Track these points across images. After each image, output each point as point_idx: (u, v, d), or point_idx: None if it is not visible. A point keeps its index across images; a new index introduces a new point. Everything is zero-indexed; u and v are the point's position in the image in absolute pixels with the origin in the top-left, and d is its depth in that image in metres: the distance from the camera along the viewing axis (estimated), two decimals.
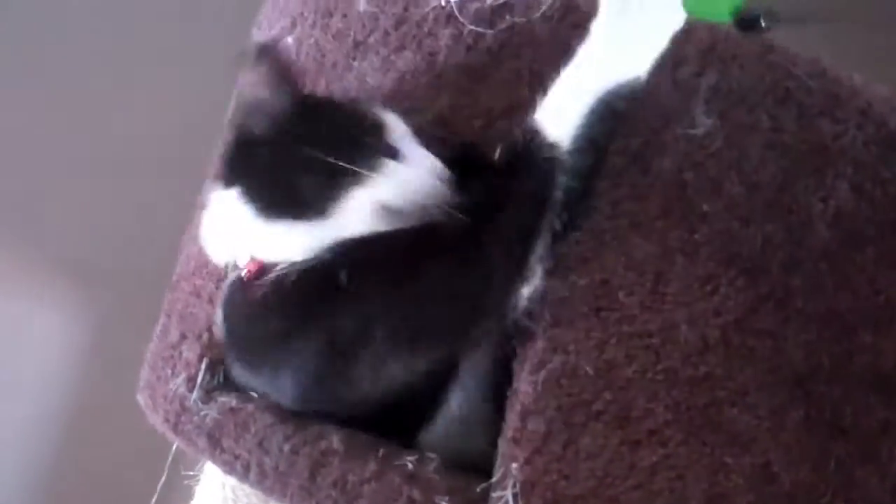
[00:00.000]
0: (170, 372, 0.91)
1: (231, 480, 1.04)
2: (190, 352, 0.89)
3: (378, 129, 0.75)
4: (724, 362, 0.76)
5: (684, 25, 0.69)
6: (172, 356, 0.91)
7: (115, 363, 1.11)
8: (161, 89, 1.40)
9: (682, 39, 0.76)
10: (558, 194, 0.69)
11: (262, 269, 0.75)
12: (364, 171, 0.71)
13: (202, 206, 0.97)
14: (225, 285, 0.80)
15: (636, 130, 0.76)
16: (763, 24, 0.66)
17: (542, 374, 0.77)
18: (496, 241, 0.69)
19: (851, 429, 0.77)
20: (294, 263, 0.72)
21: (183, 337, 0.91)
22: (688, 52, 0.77)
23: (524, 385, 0.77)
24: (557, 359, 0.76)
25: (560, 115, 0.69)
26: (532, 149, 0.69)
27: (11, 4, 1.40)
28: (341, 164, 0.71)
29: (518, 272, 0.70)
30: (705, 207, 0.76)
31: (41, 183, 1.39)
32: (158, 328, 0.97)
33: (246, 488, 1.04)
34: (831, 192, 0.77)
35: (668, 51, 0.73)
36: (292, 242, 0.73)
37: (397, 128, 0.76)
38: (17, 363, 1.40)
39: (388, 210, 0.71)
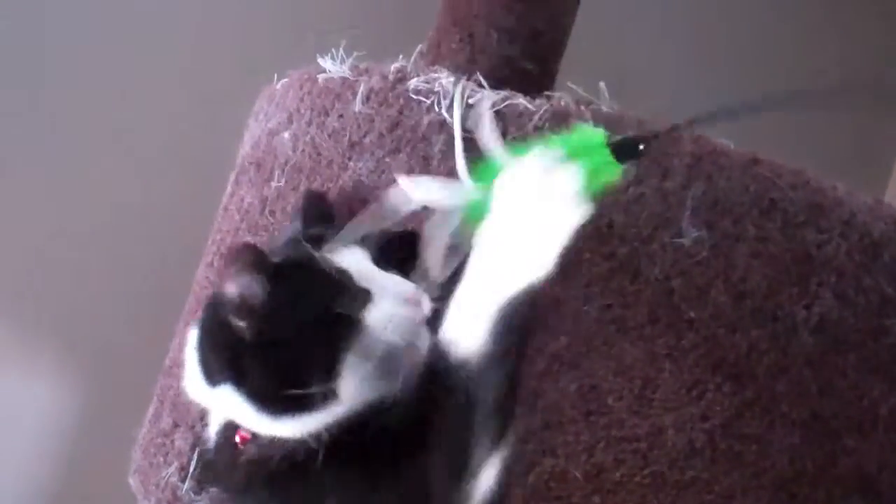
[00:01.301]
0: (162, 460, 0.91)
1: None
2: (182, 441, 0.90)
3: (344, 288, 0.73)
4: (710, 466, 0.77)
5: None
6: (164, 444, 0.92)
7: (105, 438, 1.12)
8: (155, 159, 1.42)
9: (668, 152, 0.78)
10: (483, 405, 0.68)
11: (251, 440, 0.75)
12: (351, 351, 0.71)
13: (195, 292, 0.98)
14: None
15: (624, 239, 0.78)
16: (640, 148, 0.66)
17: (531, 476, 0.78)
18: (435, 461, 0.69)
19: None
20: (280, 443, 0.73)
21: (175, 425, 0.92)
22: (675, 165, 0.79)
23: (516, 488, 0.78)
24: (547, 462, 0.78)
25: (464, 331, 0.66)
26: (447, 368, 0.67)
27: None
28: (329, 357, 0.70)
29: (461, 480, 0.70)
30: (692, 314, 0.78)
31: (33, 255, 1.40)
32: (150, 412, 0.98)
33: None
34: (815, 300, 0.79)
35: (654, 163, 0.75)
36: (289, 428, 0.73)
37: (360, 265, 0.74)
38: (5, 436, 1.40)
39: (377, 367, 0.71)
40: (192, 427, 0.90)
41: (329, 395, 0.70)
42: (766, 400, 0.79)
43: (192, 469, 0.89)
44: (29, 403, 1.41)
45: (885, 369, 0.80)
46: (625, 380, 0.78)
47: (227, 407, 0.72)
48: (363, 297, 0.71)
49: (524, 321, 0.66)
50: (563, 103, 0.81)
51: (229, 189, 1.02)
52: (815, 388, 0.79)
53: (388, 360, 0.69)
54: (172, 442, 0.91)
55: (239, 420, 0.72)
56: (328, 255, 0.72)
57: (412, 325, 0.71)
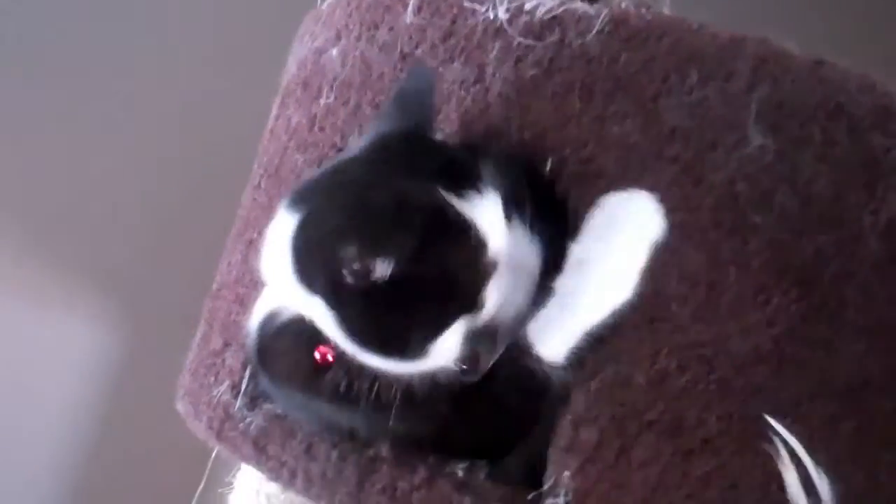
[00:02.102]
0: (213, 379, 0.90)
1: (266, 488, 1.04)
2: (234, 359, 0.89)
3: (481, 249, 0.72)
4: (776, 373, 0.76)
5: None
6: (215, 364, 0.91)
7: (150, 373, 1.11)
8: (195, 92, 1.40)
9: (731, 52, 0.77)
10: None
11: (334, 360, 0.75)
12: (469, 313, 0.71)
13: (241, 215, 0.97)
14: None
15: (688, 142, 0.77)
16: None
17: (595, 383, 0.77)
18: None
19: None
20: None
21: (226, 345, 0.91)
22: (738, 67, 0.78)
23: (576, 394, 0.77)
24: (610, 368, 0.77)
25: (549, 343, 0.75)
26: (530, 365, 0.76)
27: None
28: (449, 310, 0.71)
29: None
30: (757, 219, 0.77)
31: (73, 191, 1.39)
32: (199, 337, 0.97)
33: (280, 496, 1.03)
34: (882, 205, 0.77)
35: (717, 64, 0.75)
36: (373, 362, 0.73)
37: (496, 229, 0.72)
38: (50, 374, 1.39)
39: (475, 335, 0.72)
40: (243, 344, 0.89)
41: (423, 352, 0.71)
42: (833, 306, 0.77)
43: (244, 386, 0.88)
44: (72, 342, 1.40)
45: None
46: (689, 285, 0.77)
47: (316, 316, 0.71)
48: (488, 268, 0.71)
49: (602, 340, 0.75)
50: (623, 6, 0.79)
51: (274, 112, 1.01)
52: (882, 294, 0.78)
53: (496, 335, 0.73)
54: (223, 361, 0.91)
55: (327, 334, 0.71)
56: (462, 202, 0.70)
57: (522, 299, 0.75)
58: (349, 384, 0.75)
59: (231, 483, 1.09)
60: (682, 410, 0.76)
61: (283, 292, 0.74)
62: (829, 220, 0.77)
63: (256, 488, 1.06)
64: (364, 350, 0.71)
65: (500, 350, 0.75)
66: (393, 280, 0.68)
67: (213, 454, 1.00)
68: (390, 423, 0.75)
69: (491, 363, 0.73)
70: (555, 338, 0.77)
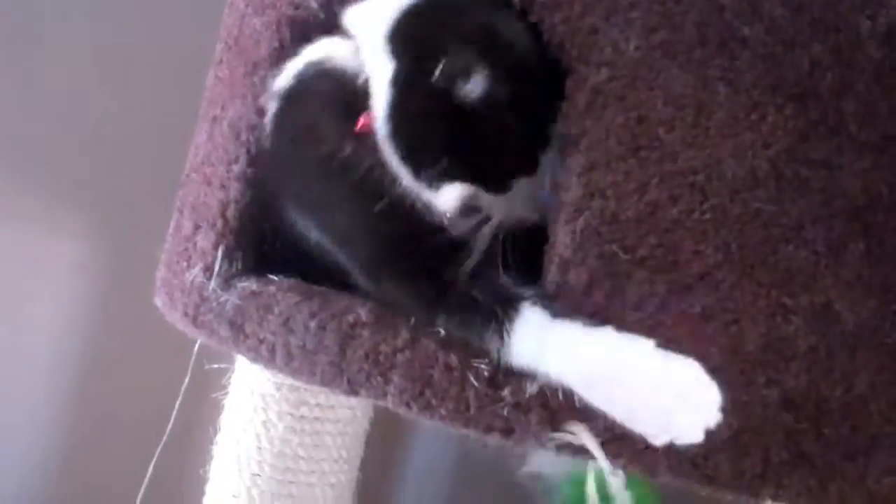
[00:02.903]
0: (185, 265, 0.86)
1: (260, 388, 1.00)
2: (205, 241, 0.85)
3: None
4: (775, 196, 0.71)
5: None
6: (187, 249, 0.87)
7: (130, 280, 1.07)
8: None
9: None
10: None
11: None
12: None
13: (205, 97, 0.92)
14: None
15: None
16: None
17: (580, 222, 0.72)
18: None
19: None
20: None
21: (197, 227, 0.86)
22: None
23: (561, 237, 0.72)
24: (595, 205, 0.71)
25: None
26: None
27: None
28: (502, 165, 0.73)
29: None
30: (746, 31, 0.71)
31: (47, 117, 1.35)
32: (171, 227, 0.92)
33: (276, 394, 1.00)
34: (880, 8, 0.71)
35: None
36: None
37: None
38: (33, 289, 1.36)
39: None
40: (214, 224, 0.85)
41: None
42: (833, 121, 0.71)
43: (217, 266, 0.83)
44: (54, 261, 1.37)
45: None
46: (676, 109, 0.71)
47: (376, 84, 0.72)
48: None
49: None
50: None
51: None
52: (884, 106, 0.72)
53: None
54: (195, 244, 0.86)
55: (374, 106, 0.71)
56: None
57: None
58: (369, 168, 0.74)
59: (226, 387, 1.06)
60: (676, 244, 0.71)
61: (361, 40, 0.73)
62: (823, 27, 0.71)
63: (251, 389, 1.03)
64: (397, 147, 0.71)
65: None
66: (471, 103, 0.68)
67: (196, 348, 0.96)
68: (372, 221, 0.74)
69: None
70: None
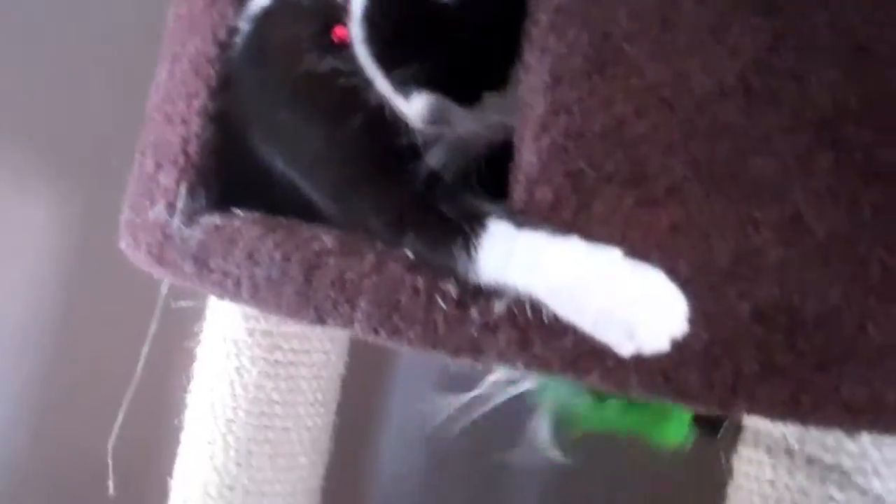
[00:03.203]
0: (148, 203, 0.85)
1: (232, 334, 0.99)
2: (167, 178, 0.83)
3: None
4: (743, 108, 0.70)
5: None
6: (150, 188, 0.85)
7: (96, 229, 1.06)
8: None
9: None
10: None
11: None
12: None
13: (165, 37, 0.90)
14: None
15: None
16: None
17: (546, 140, 0.70)
18: None
19: (886, 173, 0.71)
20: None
21: (158, 165, 0.85)
22: None
23: (527, 154, 0.71)
24: (561, 121, 0.70)
25: None
26: None
27: None
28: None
29: None
30: None
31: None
32: (135, 168, 0.91)
33: (249, 340, 0.99)
34: None
35: None
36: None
37: None
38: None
39: None
40: (175, 161, 0.83)
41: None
42: (801, 31, 0.70)
43: (180, 203, 0.82)
44: (19, 212, 1.35)
45: None
46: (640, 23, 0.70)
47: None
48: None
49: None
50: None
51: None
52: (856, 16, 0.71)
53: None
54: (157, 182, 0.85)
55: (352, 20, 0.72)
56: None
57: None
58: (346, 83, 0.73)
59: (198, 334, 1.05)
60: (644, 158, 0.70)
61: None
62: None
63: (223, 336, 1.02)
64: (370, 47, 0.72)
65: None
66: (448, 6, 0.68)
67: (163, 291, 0.94)
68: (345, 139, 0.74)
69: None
70: None
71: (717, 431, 0.73)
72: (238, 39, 0.82)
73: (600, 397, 0.82)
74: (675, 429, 0.75)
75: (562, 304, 0.66)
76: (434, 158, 0.75)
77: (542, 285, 0.66)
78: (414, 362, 1.29)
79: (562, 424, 0.86)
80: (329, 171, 0.76)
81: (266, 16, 0.80)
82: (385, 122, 0.74)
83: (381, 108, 0.74)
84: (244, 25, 0.82)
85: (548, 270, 0.66)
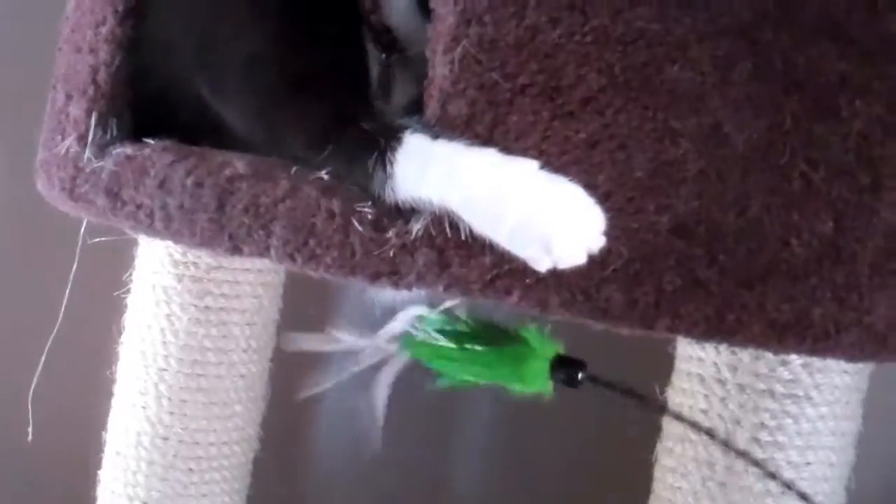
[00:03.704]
0: (60, 138, 0.82)
1: (161, 280, 0.97)
2: (77, 109, 0.81)
3: None
4: (658, 15, 0.68)
5: None
6: (61, 121, 0.83)
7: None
8: None
9: None
10: None
11: None
12: None
13: None
14: None
15: None
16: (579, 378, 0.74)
17: (458, 52, 0.68)
18: None
19: (806, 81, 0.70)
20: None
21: (68, 98, 0.82)
22: None
23: (439, 68, 0.69)
24: (473, 32, 0.68)
25: None
26: None
27: None
28: None
29: None
30: None
31: None
32: (48, 104, 0.88)
33: (178, 286, 0.97)
34: None
35: None
36: None
37: None
38: None
39: None
40: (85, 92, 0.80)
41: None
42: None
43: (91, 135, 0.79)
44: None
45: None
46: None
47: None
48: None
49: None
50: None
51: None
52: None
53: None
54: (67, 115, 0.82)
55: None
56: None
57: None
58: None
59: (127, 284, 1.02)
60: (558, 69, 0.68)
61: None
62: None
63: (152, 283, 1.00)
64: None
65: None
66: None
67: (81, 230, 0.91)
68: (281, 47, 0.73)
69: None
70: None
71: (575, 379, 0.72)
72: None
73: (461, 347, 0.81)
74: (534, 376, 0.75)
75: (477, 217, 0.65)
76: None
77: (457, 197, 0.64)
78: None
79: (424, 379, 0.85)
80: (257, 82, 0.73)
81: None
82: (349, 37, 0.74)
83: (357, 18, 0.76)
84: None
85: (463, 182, 0.64)
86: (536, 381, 0.78)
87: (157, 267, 1.00)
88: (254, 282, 1.01)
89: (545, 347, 0.79)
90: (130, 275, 1.02)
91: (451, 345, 0.79)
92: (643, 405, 0.79)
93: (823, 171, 0.70)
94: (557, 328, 0.77)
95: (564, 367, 0.76)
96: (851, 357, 0.75)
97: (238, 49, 0.74)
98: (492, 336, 0.81)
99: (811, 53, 0.70)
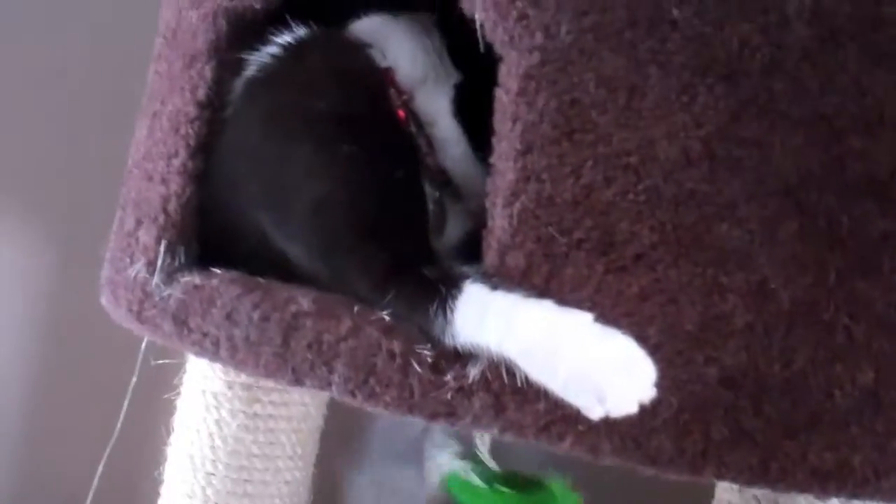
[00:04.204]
0: (128, 261, 0.86)
1: (211, 387, 1.00)
2: (147, 236, 0.84)
3: None
4: (708, 176, 0.71)
5: None
6: (130, 245, 0.86)
7: (77, 283, 1.06)
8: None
9: None
10: None
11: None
12: None
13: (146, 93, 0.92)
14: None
15: None
16: None
17: (517, 206, 0.72)
18: None
19: (849, 239, 0.73)
20: None
21: (138, 223, 0.86)
22: None
23: (498, 221, 0.72)
24: (531, 188, 0.72)
25: None
26: None
27: None
28: None
29: None
30: (675, 14, 0.71)
31: None
32: (115, 224, 0.92)
33: (228, 393, 1.00)
34: None
35: None
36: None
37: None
38: None
39: None
40: (155, 219, 0.84)
41: None
42: (763, 100, 0.72)
43: (160, 261, 0.83)
44: (7, 276, 1.35)
45: (887, 63, 0.73)
46: (608, 91, 0.72)
47: None
48: None
49: None
50: None
51: None
52: (814, 84, 0.73)
53: None
54: (137, 240, 0.86)
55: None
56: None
57: None
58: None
59: (178, 387, 1.05)
60: (612, 225, 0.71)
61: None
62: (751, 7, 0.72)
63: (203, 388, 1.03)
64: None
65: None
66: None
67: (143, 347, 0.95)
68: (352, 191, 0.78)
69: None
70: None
71: None
72: (233, 96, 0.83)
73: (491, 487, 0.86)
74: None
75: (533, 366, 0.67)
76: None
77: (514, 346, 0.67)
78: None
79: None
80: (326, 222, 0.77)
81: (268, 71, 0.84)
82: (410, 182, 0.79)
83: (416, 162, 0.80)
84: (238, 85, 0.84)
85: (520, 331, 0.67)
86: None
87: (208, 373, 1.03)
88: (301, 390, 1.04)
89: (567, 498, 0.83)
90: (181, 379, 1.05)
91: (483, 485, 0.83)
92: None
93: (865, 325, 0.72)
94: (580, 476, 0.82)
95: None
96: (891, 499, 0.77)
97: (306, 192, 0.77)
98: (518, 482, 0.85)
99: (854, 212, 0.73)
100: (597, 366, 0.66)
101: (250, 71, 0.82)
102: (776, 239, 0.72)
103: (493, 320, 0.68)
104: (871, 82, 0.73)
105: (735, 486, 0.83)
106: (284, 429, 1.04)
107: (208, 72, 0.83)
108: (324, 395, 1.09)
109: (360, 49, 0.84)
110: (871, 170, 0.73)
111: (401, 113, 0.82)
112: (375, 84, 0.82)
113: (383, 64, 0.85)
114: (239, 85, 0.83)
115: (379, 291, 0.73)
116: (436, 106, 0.84)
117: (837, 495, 0.75)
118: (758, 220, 0.72)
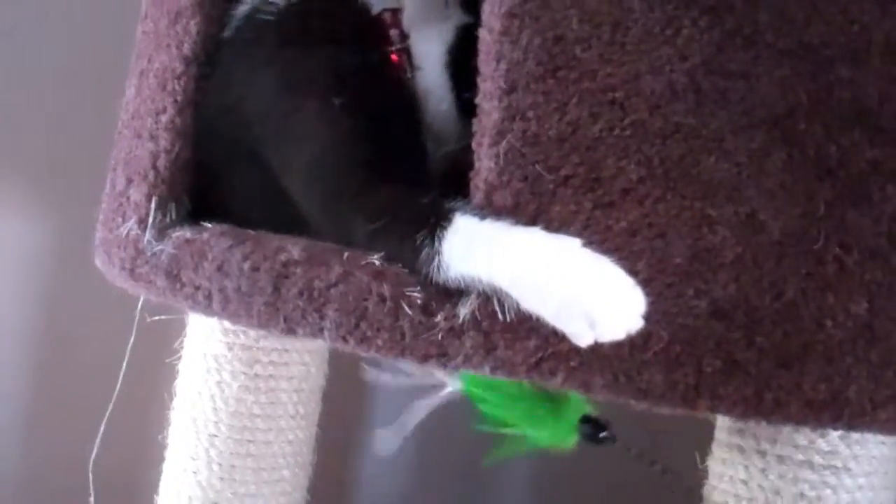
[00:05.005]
0: (120, 220, 0.86)
1: (212, 349, 1.00)
2: (138, 193, 0.85)
3: None
4: (694, 109, 0.71)
5: None
6: (121, 204, 0.87)
7: (72, 248, 1.07)
8: None
9: None
10: None
11: None
12: None
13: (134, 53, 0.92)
14: None
15: None
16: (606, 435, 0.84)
17: (503, 145, 0.72)
18: None
19: (838, 169, 0.72)
20: None
21: (129, 181, 0.86)
22: None
23: (485, 161, 0.72)
24: (517, 127, 0.71)
25: None
26: None
27: None
28: None
29: None
30: None
31: None
32: (107, 185, 0.92)
33: (228, 355, 1.00)
34: None
35: None
36: None
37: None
38: None
39: None
40: (146, 176, 0.84)
41: None
42: (748, 31, 0.72)
43: (151, 218, 0.83)
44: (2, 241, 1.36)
45: None
46: (591, 27, 0.72)
47: None
48: None
49: None
50: None
51: None
52: (800, 14, 0.72)
53: None
54: (128, 198, 0.86)
55: None
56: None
57: None
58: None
59: (179, 351, 1.06)
60: (599, 161, 0.71)
61: None
62: None
63: (203, 351, 1.03)
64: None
65: None
66: None
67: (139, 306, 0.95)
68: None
69: None
70: None
71: (597, 436, 0.79)
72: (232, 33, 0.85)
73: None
74: (562, 428, 0.81)
75: (524, 293, 0.67)
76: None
77: (504, 273, 0.67)
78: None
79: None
80: (330, 164, 0.79)
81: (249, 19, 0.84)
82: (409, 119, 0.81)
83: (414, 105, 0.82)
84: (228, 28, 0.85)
85: (510, 257, 0.67)
86: (563, 433, 0.83)
87: (208, 335, 1.03)
88: (301, 349, 1.04)
89: (579, 405, 0.83)
90: (182, 342, 1.05)
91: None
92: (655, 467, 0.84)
93: (857, 254, 0.72)
94: None
95: (590, 425, 0.81)
96: (888, 431, 0.77)
97: (307, 147, 0.78)
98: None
99: (843, 142, 0.72)
100: (588, 291, 0.66)
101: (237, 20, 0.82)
102: (764, 170, 0.71)
103: (482, 248, 0.68)
104: (858, 11, 0.73)
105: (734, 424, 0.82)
106: (285, 388, 1.04)
107: (193, 27, 0.83)
108: (324, 355, 1.09)
109: None
110: (859, 99, 0.73)
111: (394, 57, 0.82)
112: (366, 27, 0.81)
113: (391, 4, 0.84)
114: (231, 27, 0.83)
115: (373, 219, 0.73)
116: (426, 50, 0.84)
117: (833, 427, 0.75)
118: (745, 151, 0.71)
